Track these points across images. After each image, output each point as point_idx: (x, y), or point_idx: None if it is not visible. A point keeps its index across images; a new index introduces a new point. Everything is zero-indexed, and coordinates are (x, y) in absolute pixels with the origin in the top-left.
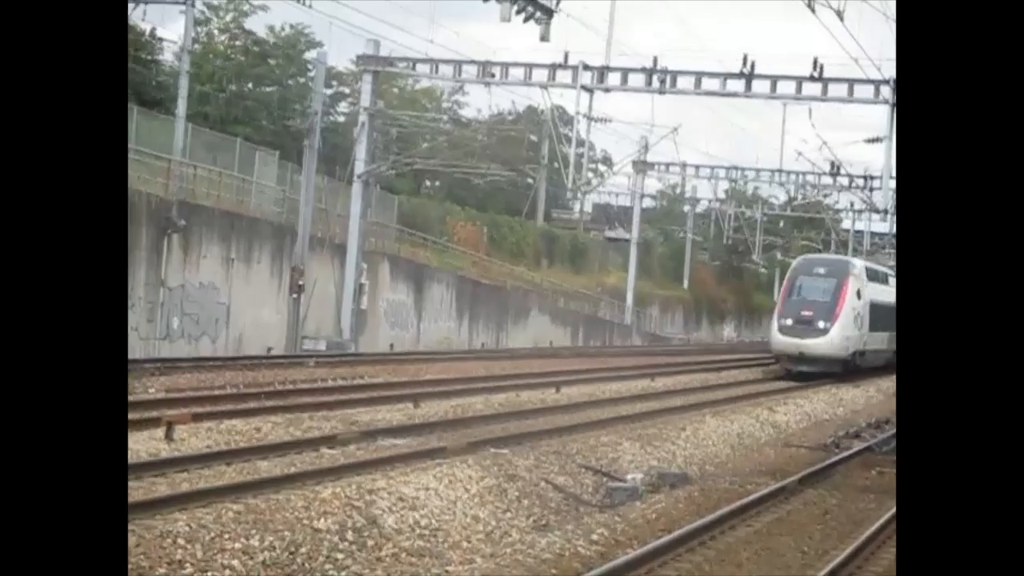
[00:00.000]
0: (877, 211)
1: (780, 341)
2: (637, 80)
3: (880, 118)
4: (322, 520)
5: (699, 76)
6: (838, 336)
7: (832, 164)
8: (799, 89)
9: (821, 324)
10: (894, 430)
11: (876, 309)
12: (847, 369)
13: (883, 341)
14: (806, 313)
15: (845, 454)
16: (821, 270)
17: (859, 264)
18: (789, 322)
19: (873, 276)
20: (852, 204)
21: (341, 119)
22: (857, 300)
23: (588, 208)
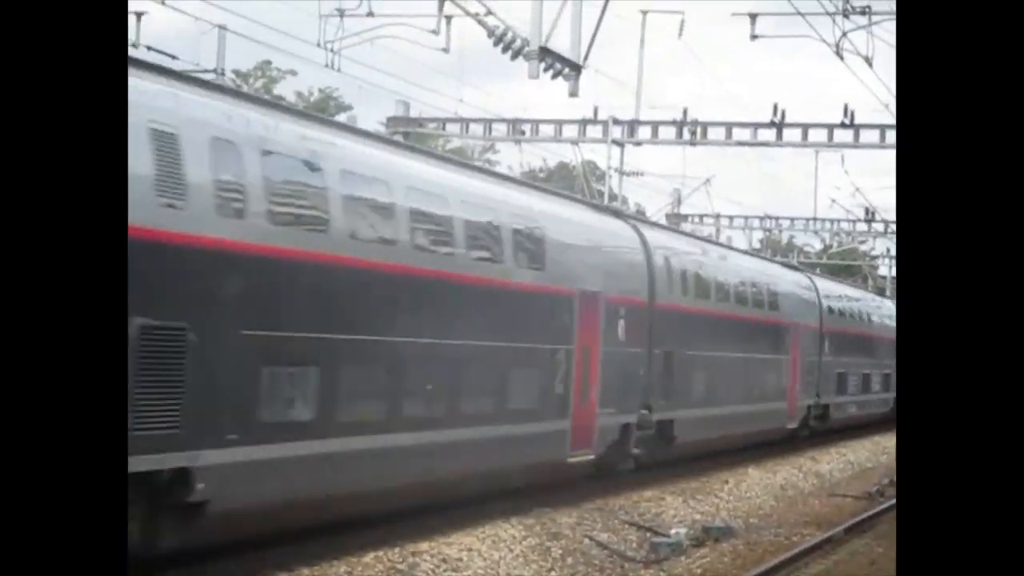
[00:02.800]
0: None
1: None
2: (667, 132)
3: None
4: None
5: (729, 126)
6: None
7: (866, 210)
8: (830, 136)
9: None
10: None
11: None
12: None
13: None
14: None
15: (890, 503)
16: None
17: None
18: None
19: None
20: (888, 250)
21: None
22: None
23: None
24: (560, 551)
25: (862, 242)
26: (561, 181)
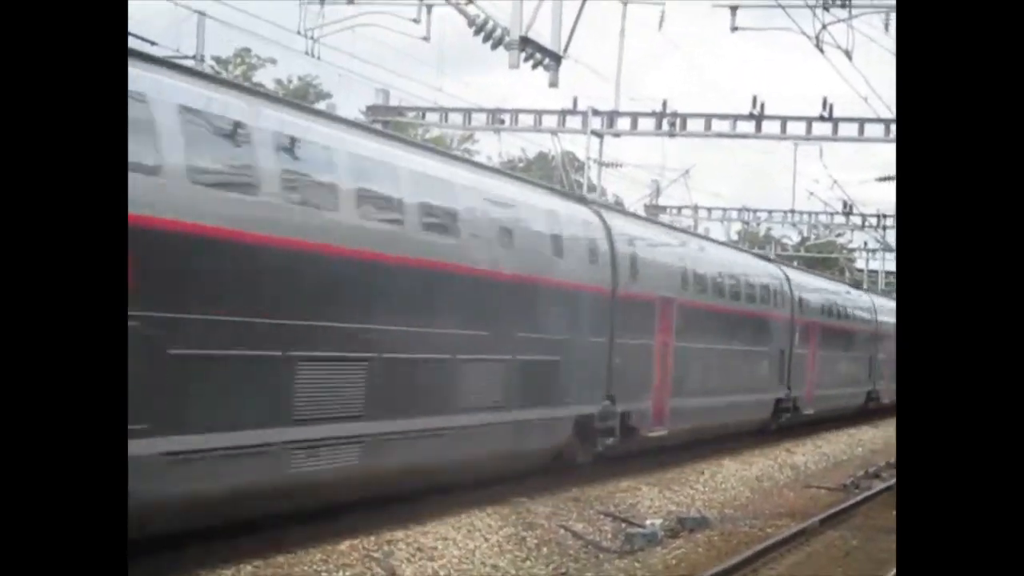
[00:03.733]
0: (891, 250)
1: None
2: (647, 124)
3: (891, 156)
4: (340, 573)
5: (709, 118)
6: None
7: (844, 203)
8: (809, 129)
9: None
10: None
11: None
12: None
13: None
14: None
15: (865, 495)
16: None
17: None
18: None
19: None
20: (866, 243)
21: None
22: None
23: None
24: (535, 541)
25: (840, 235)
26: (540, 171)
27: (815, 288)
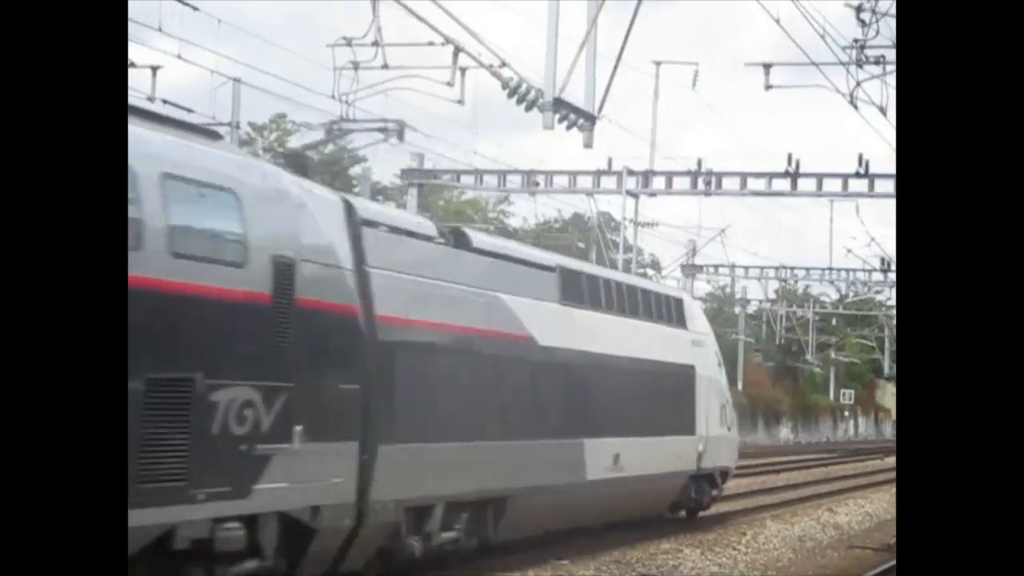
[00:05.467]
0: None
1: None
2: (682, 183)
3: None
4: None
5: (744, 176)
6: None
7: (882, 260)
8: (845, 186)
9: None
10: None
11: None
12: None
13: None
14: None
15: None
16: None
17: None
18: None
19: None
20: None
21: None
22: None
23: None
24: None
25: (878, 292)
26: (576, 232)
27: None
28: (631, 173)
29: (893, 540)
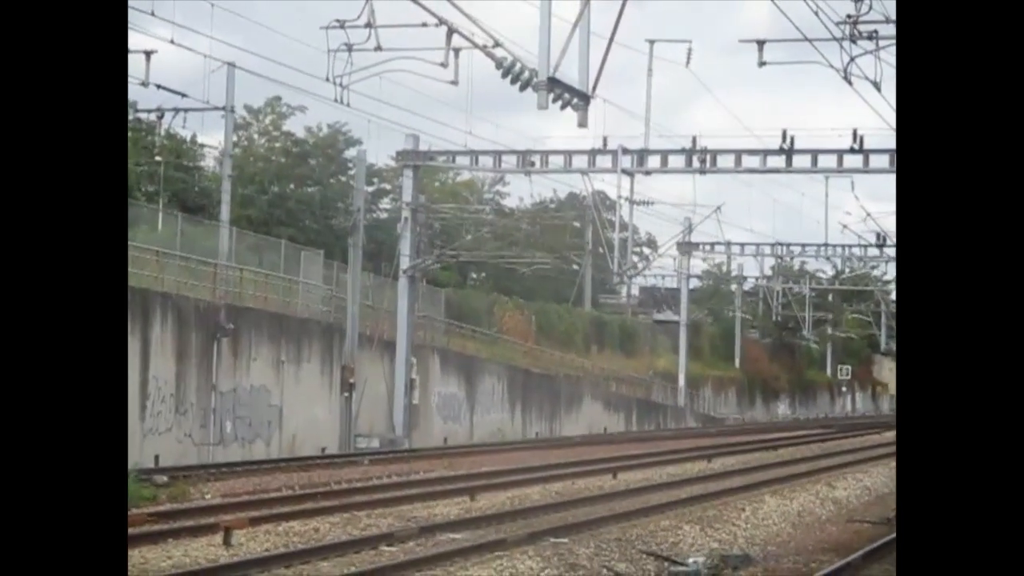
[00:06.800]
0: None
1: None
2: (677, 161)
3: None
4: None
5: (739, 154)
6: None
7: (878, 235)
8: (840, 162)
9: None
10: None
11: None
12: None
13: None
14: None
15: None
16: None
17: None
18: None
19: None
20: None
21: (384, 215)
22: None
23: (635, 292)
24: None
25: (874, 267)
26: (572, 211)
27: None
28: (626, 152)
29: (892, 513)
